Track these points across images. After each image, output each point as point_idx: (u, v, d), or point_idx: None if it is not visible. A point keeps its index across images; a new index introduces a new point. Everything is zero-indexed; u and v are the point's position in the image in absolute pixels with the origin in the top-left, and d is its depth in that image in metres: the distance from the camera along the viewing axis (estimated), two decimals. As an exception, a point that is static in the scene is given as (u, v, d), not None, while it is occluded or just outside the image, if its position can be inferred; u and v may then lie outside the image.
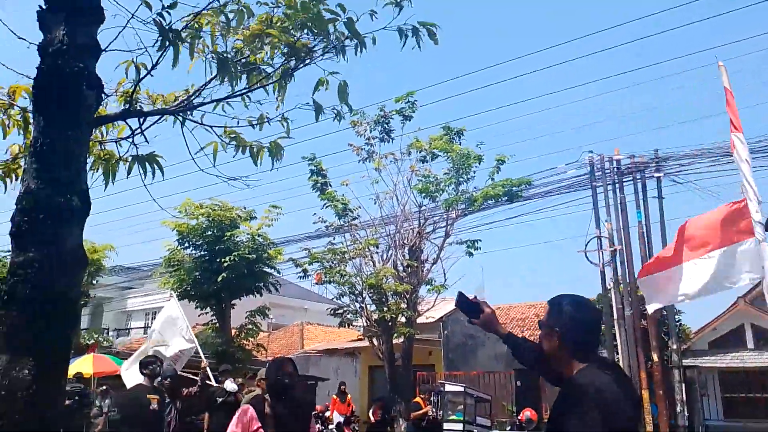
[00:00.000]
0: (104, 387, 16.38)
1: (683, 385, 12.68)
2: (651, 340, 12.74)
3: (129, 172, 3.51)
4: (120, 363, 16.79)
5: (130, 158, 3.28)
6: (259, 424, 3.68)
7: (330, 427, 14.78)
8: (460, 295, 2.77)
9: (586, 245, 13.83)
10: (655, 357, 12.56)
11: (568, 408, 2.05)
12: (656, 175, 13.66)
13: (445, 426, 10.45)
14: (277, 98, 3.72)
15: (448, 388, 11.63)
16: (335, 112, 3.73)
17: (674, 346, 13.04)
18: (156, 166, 3.26)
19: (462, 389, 11.40)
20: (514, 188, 13.46)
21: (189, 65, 3.53)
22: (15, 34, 2.99)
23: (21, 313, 2.24)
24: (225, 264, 14.96)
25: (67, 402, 11.32)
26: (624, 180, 14.02)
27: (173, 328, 9.16)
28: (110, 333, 29.68)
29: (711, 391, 14.96)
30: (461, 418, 10.61)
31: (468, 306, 2.72)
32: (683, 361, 13.26)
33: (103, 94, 2.76)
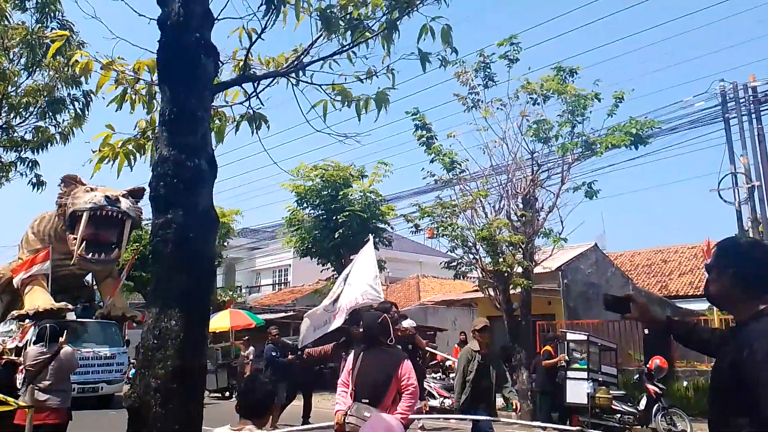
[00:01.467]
0: (246, 338, 17.90)
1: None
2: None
3: (237, 129, 3.70)
4: (254, 317, 18.22)
5: (237, 117, 3.44)
6: (351, 366, 4.55)
7: (451, 375, 15.11)
8: (605, 297, 2.72)
9: (720, 183, 12.79)
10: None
11: (754, 352, 1.91)
12: (801, 100, 12.22)
13: (569, 375, 10.28)
14: (385, 51, 3.72)
15: (570, 336, 11.38)
16: (440, 58, 3.67)
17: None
18: (263, 122, 3.40)
19: (585, 337, 11.12)
20: (640, 132, 12.52)
21: (295, 25, 3.62)
22: (135, 11, 3.20)
23: (165, 270, 2.47)
24: (341, 221, 15.49)
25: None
26: (762, 109, 12.68)
27: (363, 272, 8.42)
28: (243, 290, 32.00)
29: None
30: (585, 367, 10.38)
31: (616, 303, 2.65)
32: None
33: (219, 62, 2.90)
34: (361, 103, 3.75)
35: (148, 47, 3.32)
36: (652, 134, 13.14)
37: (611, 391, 10.12)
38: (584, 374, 10.11)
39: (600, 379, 10.44)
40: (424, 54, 3.64)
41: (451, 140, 14.66)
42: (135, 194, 13.52)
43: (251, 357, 17.72)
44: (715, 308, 11.40)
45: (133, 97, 4.00)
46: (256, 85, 3.32)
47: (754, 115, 12.74)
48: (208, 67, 2.70)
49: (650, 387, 10.01)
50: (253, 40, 3.21)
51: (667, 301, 18.72)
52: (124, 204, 13.13)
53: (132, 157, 4.02)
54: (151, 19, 2.97)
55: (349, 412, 4.12)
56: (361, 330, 6.76)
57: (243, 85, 3.52)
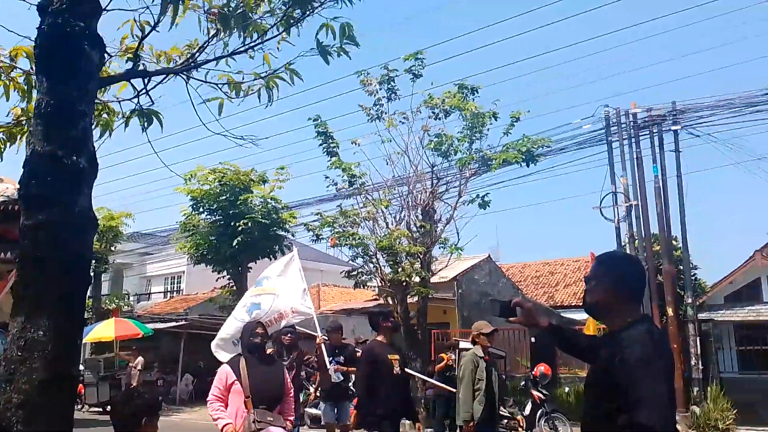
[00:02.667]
0: (134, 348, 16.97)
1: (698, 338, 12.70)
2: (666, 295, 12.72)
3: (126, 125, 3.51)
4: (141, 326, 17.26)
5: (128, 113, 3.25)
6: (235, 378, 4.47)
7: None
8: (493, 301, 2.84)
9: (602, 201, 13.73)
10: (670, 311, 12.56)
11: (625, 358, 2.03)
12: (673, 128, 13.40)
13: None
14: (278, 46, 3.63)
15: (463, 344, 11.73)
16: (338, 49, 3.60)
17: (689, 301, 13.02)
18: (156, 119, 3.24)
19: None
20: (532, 150, 13.22)
21: (194, 22, 3.48)
22: (14, -6, 2.94)
23: (36, 275, 2.26)
24: (240, 228, 15.08)
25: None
26: (640, 134, 13.79)
27: (291, 284, 7.89)
28: (131, 298, 30.27)
29: (726, 344, 14.99)
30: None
31: (501, 308, 2.75)
32: (698, 315, 13.25)
33: (105, 54, 2.72)
34: (254, 88, 3.63)
35: (29, 34, 3.08)
36: (542, 152, 13.93)
37: (499, 396, 10.52)
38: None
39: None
40: (323, 47, 3.57)
41: (355, 148, 14.77)
42: None
43: (139, 367, 16.83)
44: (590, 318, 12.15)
45: (8, 84, 3.68)
46: (146, 81, 3.14)
47: (633, 140, 13.82)
48: (92, 59, 2.52)
49: (535, 393, 10.54)
50: (145, 33, 3.04)
51: (552, 311, 19.80)
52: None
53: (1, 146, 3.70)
54: (31, 4, 2.75)
55: (254, 419, 4.25)
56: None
57: (133, 81, 3.34)
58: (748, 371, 14.59)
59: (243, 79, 3.70)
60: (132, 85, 3.28)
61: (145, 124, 3.48)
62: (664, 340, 2.20)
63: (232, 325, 7.16)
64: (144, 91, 3.16)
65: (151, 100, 3.18)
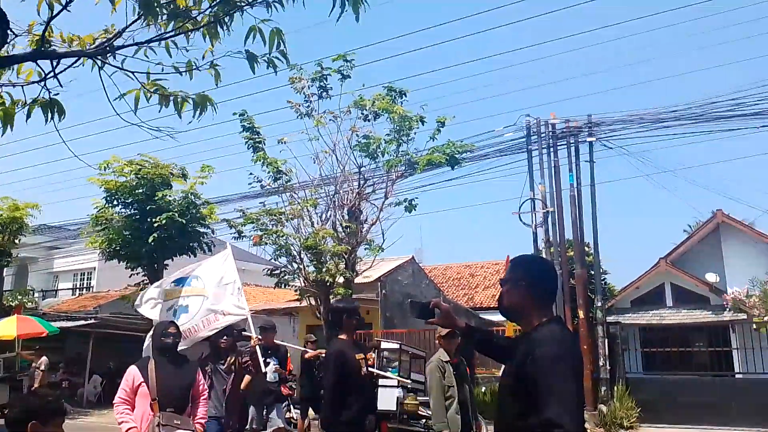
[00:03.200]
0: (38, 347, 15.95)
1: (606, 340, 13.37)
2: (578, 298, 13.31)
3: (28, 117, 3.26)
4: (46, 325, 16.22)
5: (29, 102, 3.01)
6: (142, 380, 4.37)
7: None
8: (411, 303, 2.82)
9: (521, 207, 14.19)
10: (581, 314, 13.15)
11: (536, 357, 2.06)
12: (589, 139, 14.06)
13: (381, 382, 10.61)
14: (210, 45, 3.52)
15: (384, 345, 11.78)
16: (267, 60, 3.57)
17: (599, 304, 13.68)
18: (58, 111, 3.02)
19: (398, 346, 11.58)
20: (455, 154, 13.52)
21: (112, 5, 3.27)
22: None
23: None
24: (157, 224, 14.48)
25: None
26: (558, 144, 14.37)
27: (223, 284, 7.21)
28: (36, 294, 28.45)
29: (632, 345, 15.87)
30: (396, 374, 10.80)
31: (420, 309, 2.74)
32: (607, 317, 13.95)
33: (9, 31, 2.51)
34: (179, 100, 3.50)
35: None
36: (466, 157, 14.25)
37: (418, 398, 10.63)
38: (395, 381, 10.49)
39: (409, 386, 10.91)
40: (251, 54, 3.51)
41: (282, 146, 14.53)
42: None
43: (43, 368, 15.84)
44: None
45: None
46: (54, 63, 2.92)
47: (552, 149, 14.39)
48: (-8, 36, 2.31)
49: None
50: (55, 12, 2.83)
51: (472, 312, 20.29)
52: None
53: None
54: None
55: (160, 422, 4.14)
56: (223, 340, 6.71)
57: (40, 63, 3.10)
58: (651, 372, 15.49)
59: (162, 70, 3.53)
60: (39, 67, 3.04)
61: (49, 115, 3.24)
62: (574, 341, 2.28)
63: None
64: (52, 74, 2.93)
65: (60, 84, 2.96)
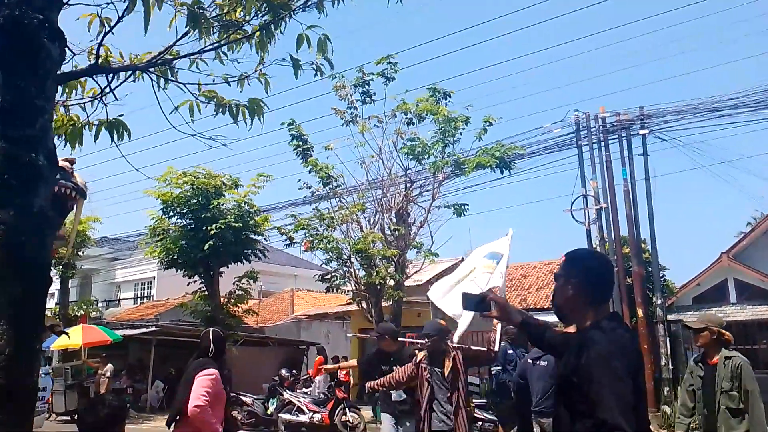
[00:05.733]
0: (103, 355, 16.61)
1: (668, 339, 12.92)
2: (636, 297, 12.92)
3: (96, 138, 3.41)
4: (110, 333, 16.89)
5: (96, 123, 3.15)
6: (221, 386, 4.40)
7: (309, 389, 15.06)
8: (465, 295, 2.77)
9: (572, 204, 13.91)
10: (640, 313, 12.76)
11: (590, 357, 2.02)
12: (641, 132, 13.67)
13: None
14: (259, 56, 3.60)
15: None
16: (314, 67, 3.63)
17: (659, 302, 13.24)
18: (123, 131, 3.15)
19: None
20: (505, 157, 13.32)
21: (167, 22, 3.40)
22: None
23: (-10, 277, 2.16)
24: (211, 232, 14.86)
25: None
26: (609, 138, 14.02)
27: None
28: (100, 304, 29.63)
29: (694, 344, 15.29)
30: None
31: (476, 302, 2.70)
32: (667, 316, 13.48)
33: (66, 49, 2.63)
34: (233, 109, 3.60)
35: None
36: (515, 158, 14.06)
37: (474, 400, 10.54)
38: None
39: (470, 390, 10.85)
40: (296, 61, 3.57)
41: (329, 152, 14.72)
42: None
43: (108, 375, 16.47)
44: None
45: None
46: (110, 78, 3.05)
47: (603, 143, 14.04)
48: (52, 53, 2.42)
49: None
50: (106, 29, 2.95)
51: (525, 313, 19.95)
52: (79, 179, 10.58)
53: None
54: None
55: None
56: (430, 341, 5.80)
57: (98, 79, 3.24)
58: (716, 371, 14.85)
59: (213, 81, 3.63)
60: (96, 82, 3.18)
61: (115, 135, 3.39)
62: (632, 339, 2.19)
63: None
64: (108, 88, 3.06)
65: (116, 98, 3.08)
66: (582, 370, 2.03)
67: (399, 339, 6.77)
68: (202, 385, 4.17)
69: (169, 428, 4.38)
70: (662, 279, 15.05)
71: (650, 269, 13.67)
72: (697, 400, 5.06)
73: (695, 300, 16.56)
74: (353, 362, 7.59)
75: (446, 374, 5.49)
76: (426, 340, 5.68)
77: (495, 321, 5.32)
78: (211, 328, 4.96)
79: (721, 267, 16.20)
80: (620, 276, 13.00)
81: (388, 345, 6.49)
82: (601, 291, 2.27)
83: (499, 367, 7.19)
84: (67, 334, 12.78)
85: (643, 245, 14.04)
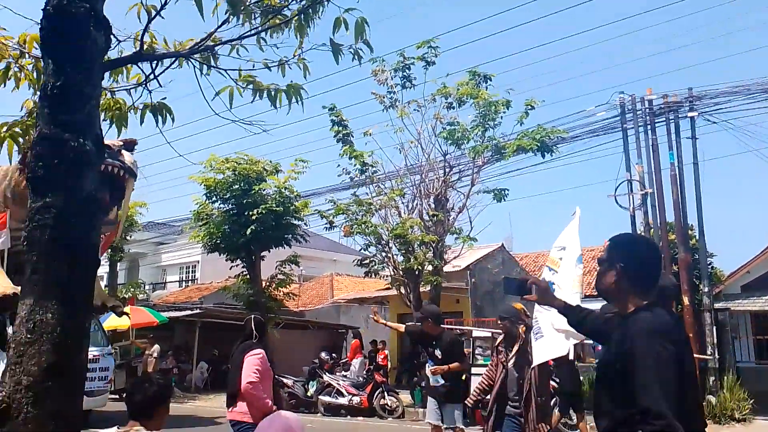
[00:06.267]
0: (151, 335, 17.19)
1: (714, 327, 12.56)
2: (682, 284, 12.58)
3: (142, 121, 3.50)
4: (156, 315, 17.43)
5: (141, 107, 3.24)
6: (268, 364, 4.84)
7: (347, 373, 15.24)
8: (506, 279, 2.81)
9: (617, 189, 13.58)
10: (686, 300, 12.42)
11: (633, 344, 1.99)
12: (690, 114, 13.20)
13: (474, 371, 10.56)
14: (298, 40, 3.62)
15: (476, 333, 11.73)
16: (353, 51, 3.63)
17: (705, 290, 12.86)
18: (167, 114, 3.22)
19: (489, 334, 11.48)
20: (546, 140, 13.07)
21: (209, 8, 3.45)
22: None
23: (41, 257, 2.26)
24: (253, 217, 15.13)
25: None
26: (656, 121, 13.60)
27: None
28: (147, 287, 30.59)
29: (743, 333, 14.81)
30: (488, 363, 10.71)
31: (517, 286, 2.71)
32: (715, 304, 13.10)
33: (112, 36, 2.70)
34: (272, 93, 3.63)
35: (35, 17, 3.06)
36: (557, 142, 13.78)
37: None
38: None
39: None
40: (336, 45, 3.57)
41: (368, 138, 14.74)
42: (127, 147, 10.47)
43: (155, 355, 17.03)
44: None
45: (19, 74, 3.67)
46: (154, 65, 3.12)
47: (649, 127, 13.63)
48: (98, 41, 2.49)
49: (550, 382, 10.45)
50: (152, 16, 3.02)
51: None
52: (128, 158, 10.42)
53: (22, 140, 3.70)
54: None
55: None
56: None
57: (142, 66, 3.31)
58: (765, 360, 14.43)
59: (253, 67, 3.67)
60: (141, 69, 3.25)
61: (160, 118, 3.48)
62: (677, 326, 2.14)
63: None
64: (152, 75, 3.13)
65: (159, 84, 3.16)
66: (624, 356, 2.00)
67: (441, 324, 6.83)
68: (252, 363, 4.61)
69: (228, 409, 4.79)
70: (710, 266, 14.60)
71: (697, 256, 13.28)
72: None
73: (744, 288, 16.02)
74: (401, 326, 7.55)
75: (510, 358, 5.48)
76: (499, 322, 5.74)
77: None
78: (253, 315, 5.32)
79: (772, 254, 15.62)
80: (666, 263, 12.67)
81: (430, 327, 6.59)
82: (645, 278, 2.22)
83: None
84: (128, 314, 13.16)
85: (690, 231, 13.63)
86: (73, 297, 2.27)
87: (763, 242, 16.33)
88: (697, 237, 13.42)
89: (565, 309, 2.63)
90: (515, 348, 5.50)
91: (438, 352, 6.48)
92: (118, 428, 2.77)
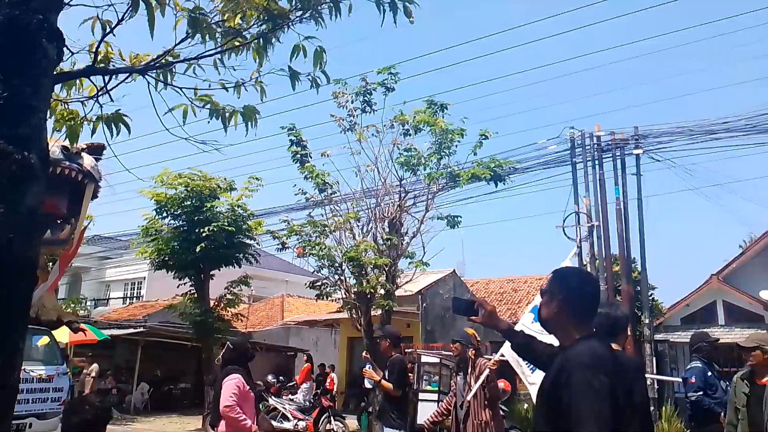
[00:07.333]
0: (90, 354, 16.54)
1: (654, 358, 12.96)
2: (625, 315, 12.95)
3: (93, 132, 3.43)
4: (97, 332, 16.77)
5: (94, 118, 3.18)
6: (248, 387, 5.12)
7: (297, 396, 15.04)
8: (455, 299, 2.84)
9: (565, 220, 13.96)
10: (627, 331, 12.80)
11: (570, 375, 2.03)
12: (635, 152, 13.77)
13: (421, 396, 10.56)
14: (257, 64, 3.63)
15: (424, 359, 11.75)
16: (311, 79, 3.67)
17: (647, 321, 13.29)
18: (123, 125, 3.17)
19: (438, 360, 11.53)
20: (499, 170, 13.39)
21: (168, 24, 3.43)
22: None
23: (-24, 274, 2.17)
24: (204, 234, 14.84)
25: None
26: (604, 156, 14.12)
27: None
28: (88, 303, 29.48)
29: (681, 365, 15.29)
30: (436, 389, 10.75)
31: (465, 306, 2.75)
32: (655, 335, 13.53)
33: (65, 48, 2.65)
34: (227, 114, 3.62)
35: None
36: (509, 172, 14.11)
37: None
38: (435, 395, 10.43)
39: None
40: (294, 71, 3.61)
41: (325, 159, 14.73)
42: (93, 152, 9.67)
43: (93, 375, 16.38)
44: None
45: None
46: (107, 79, 3.07)
47: (597, 162, 14.14)
48: (49, 53, 2.44)
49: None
50: (106, 31, 2.98)
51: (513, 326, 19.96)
52: (87, 161, 9.56)
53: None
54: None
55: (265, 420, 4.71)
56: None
57: (95, 80, 3.26)
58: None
59: (209, 86, 3.66)
60: (92, 82, 3.20)
61: (114, 131, 3.41)
62: (614, 359, 2.21)
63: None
64: (105, 89, 3.08)
65: (111, 98, 3.10)
66: (560, 387, 2.05)
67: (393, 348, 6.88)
68: (229, 388, 4.97)
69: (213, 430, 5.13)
70: (651, 298, 15.12)
71: (639, 288, 13.73)
72: (741, 418, 5.02)
73: (684, 320, 16.64)
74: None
75: (468, 387, 5.60)
76: (452, 345, 5.89)
77: (490, 363, 5.53)
78: (229, 341, 5.70)
79: (710, 288, 16.30)
80: (610, 294, 13.05)
81: (386, 348, 6.69)
82: (583, 311, 2.30)
83: (699, 393, 6.23)
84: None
85: (633, 264, 14.10)
86: (8, 316, 2.19)
87: (702, 276, 17.02)
88: (640, 270, 13.89)
89: (507, 332, 2.69)
90: (475, 378, 5.64)
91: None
92: None
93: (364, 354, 6.92)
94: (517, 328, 6.36)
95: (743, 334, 14.99)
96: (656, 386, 12.73)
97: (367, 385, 6.99)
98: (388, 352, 6.83)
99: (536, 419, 2.26)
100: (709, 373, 6.47)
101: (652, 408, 12.51)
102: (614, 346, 3.75)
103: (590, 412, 1.92)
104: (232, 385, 5.00)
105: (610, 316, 3.44)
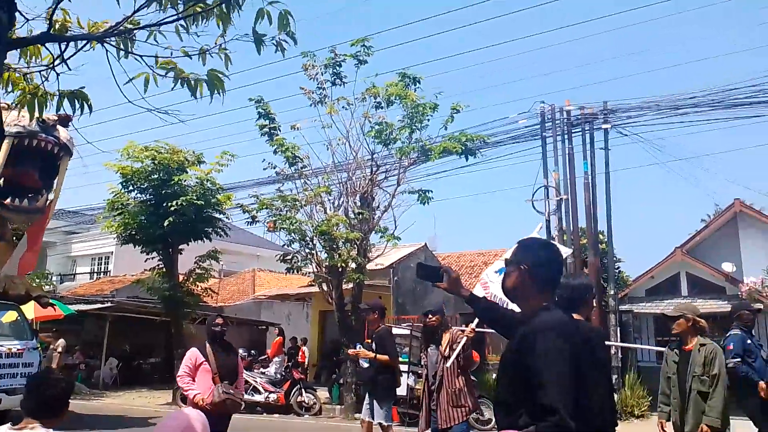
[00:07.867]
0: (55, 329, 16.28)
1: (618, 328, 13.32)
2: (591, 287, 13.26)
3: (57, 109, 3.33)
4: (63, 307, 16.49)
5: (57, 94, 3.07)
6: (203, 359, 5.39)
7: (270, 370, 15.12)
8: (420, 265, 2.84)
9: (534, 194, 14.13)
10: (593, 302, 13.11)
11: (533, 343, 2.07)
12: (604, 126, 13.93)
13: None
14: (221, 30, 3.53)
15: (395, 331, 11.86)
16: (275, 43, 3.57)
17: (612, 292, 13.62)
18: (84, 102, 3.07)
19: (408, 332, 11.67)
20: (470, 144, 13.42)
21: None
22: None
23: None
24: (172, 208, 14.60)
25: None
26: (573, 131, 14.26)
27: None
28: (54, 278, 28.91)
29: (645, 334, 15.77)
30: (407, 360, 10.89)
31: (430, 272, 2.76)
32: (620, 306, 13.89)
33: (18, 14, 2.54)
34: (192, 82, 3.52)
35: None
36: (480, 146, 14.16)
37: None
38: (405, 366, 10.56)
39: (420, 371, 10.97)
40: (258, 35, 3.50)
41: (295, 133, 14.56)
42: (62, 123, 9.55)
43: (60, 350, 16.15)
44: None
45: None
46: (63, 47, 2.96)
47: (566, 136, 14.27)
48: (0, 19, 2.35)
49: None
50: (62, -5, 2.86)
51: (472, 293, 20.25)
52: (63, 134, 9.30)
53: None
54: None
55: (222, 390, 5.12)
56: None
57: (52, 47, 3.13)
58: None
59: (171, 54, 3.55)
60: (49, 50, 3.08)
61: (77, 108, 3.30)
62: (576, 327, 2.26)
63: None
64: (61, 57, 2.97)
65: (68, 67, 3.00)
66: (525, 356, 2.09)
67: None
68: (183, 362, 5.46)
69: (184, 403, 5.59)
70: (617, 270, 15.49)
71: (606, 261, 14.03)
72: (672, 385, 5.27)
73: (648, 292, 17.08)
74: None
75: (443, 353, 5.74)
76: (431, 317, 6.00)
77: (467, 330, 5.61)
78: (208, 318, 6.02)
79: (674, 261, 16.72)
80: (577, 266, 13.31)
81: (374, 320, 7.19)
82: (547, 281, 2.33)
83: (737, 359, 6.13)
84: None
85: (600, 237, 14.38)
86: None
87: (666, 249, 17.46)
88: (607, 242, 14.18)
89: (470, 298, 2.72)
90: (450, 347, 5.74)
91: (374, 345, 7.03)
92: (11, 426, 2.62)
93: (351, 352, 7.34)
94: (482, 277, 6.60)
95: (706, 305, 15.50)
96: (620, 355, 13.11)
97: (363, 364, 7.15)
98: (375, 323, 7.21)
99: (499, 386, 2.31)
100: (749, 341, 6.43)
101: (615, 376, 12.91)
102: (576, 316, 3.72)
103: (554, 377, 1.96)
104: (186, 357, 5.51)
105: (573, 286, 3.50)
